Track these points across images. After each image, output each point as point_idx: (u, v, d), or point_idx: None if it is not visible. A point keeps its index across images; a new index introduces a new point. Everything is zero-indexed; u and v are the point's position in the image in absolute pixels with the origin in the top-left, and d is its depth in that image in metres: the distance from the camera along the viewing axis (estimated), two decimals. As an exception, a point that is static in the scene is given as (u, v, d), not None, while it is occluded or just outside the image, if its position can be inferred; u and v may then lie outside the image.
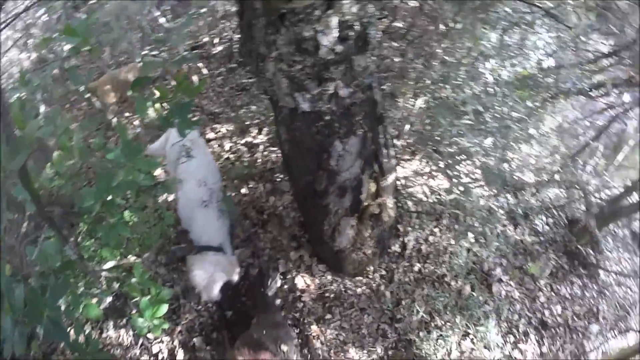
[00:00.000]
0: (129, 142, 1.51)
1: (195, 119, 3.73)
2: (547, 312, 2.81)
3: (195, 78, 3.78)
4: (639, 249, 3.71)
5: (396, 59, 3.03)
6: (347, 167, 2.13)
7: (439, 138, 2.83)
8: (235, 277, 2.39)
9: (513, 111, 2.70)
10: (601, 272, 3.20)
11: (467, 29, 2.65)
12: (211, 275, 2.30)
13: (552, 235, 3.02)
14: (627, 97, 3.19)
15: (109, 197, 1.53)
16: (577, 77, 2.90)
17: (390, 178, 2.41)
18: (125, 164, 1.48)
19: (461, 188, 2.68)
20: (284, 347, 2.11)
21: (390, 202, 2.47)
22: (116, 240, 1.70)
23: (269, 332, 2.18)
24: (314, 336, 2.54)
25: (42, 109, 2.84)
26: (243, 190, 2.94)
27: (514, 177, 2.89)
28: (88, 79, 3.39)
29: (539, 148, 3.17)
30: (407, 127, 2.94)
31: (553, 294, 2.87)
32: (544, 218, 2.90)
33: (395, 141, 2.98)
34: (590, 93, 2.98)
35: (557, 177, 3.07)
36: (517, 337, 2.69)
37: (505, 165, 3.04)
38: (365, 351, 2.54)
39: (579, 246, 3.10)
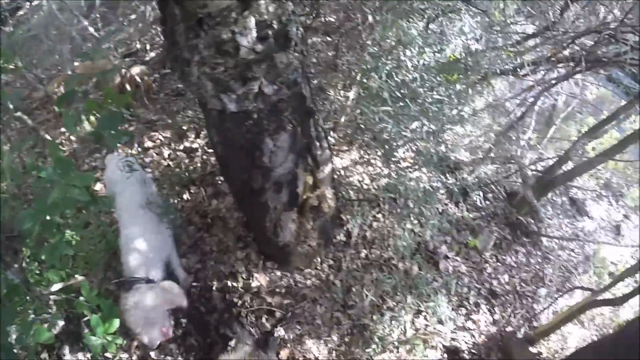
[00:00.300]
0: (61, 159, 1.49)
1: (131, 128, 3.69)
2: (495, 282, 2.93)
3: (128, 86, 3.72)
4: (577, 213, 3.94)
5: (328, 53, 3.10)
6: (281, 163, 2.15)
7: (374, 127, 2.92)
8: (184, 302, 2.23)
9: (443, 95, 2.82)
10: (544, 239, 3.37)
11: (394, 20, 2.76)
12: (148, 314, 2.08)
13: (493, 209, 3.15)
14: (555, 74, 3.39)
15: (48, 217, 1.50)
16: (504, 58, 3.06)
17: (327, 169, 2.45)
18: (59, 181, 1.46)
19: (400, 173, 2.76)
20: None
21: (329, 192, 2.51)
22: (59, 260, 1.68)
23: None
24: (272, 334, 2.55)
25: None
26: (185, 196, 2.92)
27: (451, 157, 3.00)
28: (18, 97, 3.29)
29: (473, 128, 3.31)
30: (343, 118, 3.01)
31: (499, 264, 3.00)
32: (483, 194, 3.02)
33: (332, 133, 3.06)
34: (517, 72, 3.15)
35: (492, 153, 3.21)
36: (469, 308, 2.79)
37: (442, 147, 3.16)
38: (321, 341, 2.57)
39: (519, 217, 3.25)
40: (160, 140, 3.49)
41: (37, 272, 2.39)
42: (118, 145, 3.50)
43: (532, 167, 3.51)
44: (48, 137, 3.29)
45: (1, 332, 1.50)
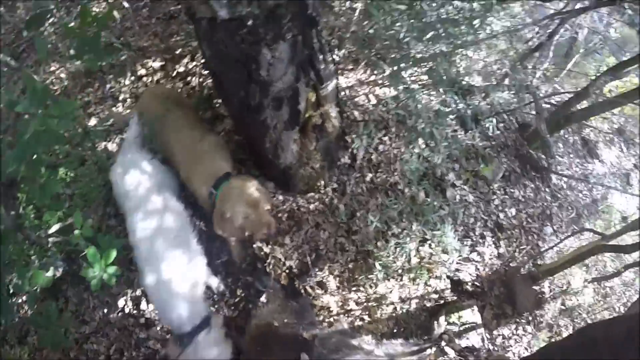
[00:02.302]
0: (36, 89, 1.31)
1: (123, 57, 3.44)
2: (501, 215, 2.81)
3: (116, 14, 3.45)
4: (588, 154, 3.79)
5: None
6: (280, 76, 1.96)
7: (382, 45, 2.69)
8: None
9: (459, 14, 2.57)
10: (553, 176, 3.23)
11: None
12: None
13: (504, 140, 2.99)
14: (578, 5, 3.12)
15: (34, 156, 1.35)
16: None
17: (331, 85, 2.25)
18: (36, 114, 1.30)
19: (408, 94, 2.56)
20: None
21: (333, 111, 2.33)
22: (53, 200, 1.62)
23: None
24: (277, 260, 2.45)
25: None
26: None
27: (463, 81, 2.79)
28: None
29: (488, 52, 3.08)
30: (349, 34, 2.77)
31: (507, 196, 2.87)
32: (495, 122, 2.84)
33: (337, 51, 2.82)
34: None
35: (506, 81, 3.00)
36: (474, 240, 2.70)
37: (453, 70, 2.94)
38: (326, 267, 2.47)
39: (530, 150, 3.09)
40: (154, 67, 3.27)
41: (34, 215, 2.28)
42: (110, 77, 3.32)
43: (547, 99, 3.31)
44: (33, 75, 3.03)
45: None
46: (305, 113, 2.22)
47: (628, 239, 2.90)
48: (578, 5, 3.07)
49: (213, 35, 1.79)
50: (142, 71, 3.28)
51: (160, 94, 2.50)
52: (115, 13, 3.46)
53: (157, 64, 3.29)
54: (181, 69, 3.19)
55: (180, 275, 1.89)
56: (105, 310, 2.49)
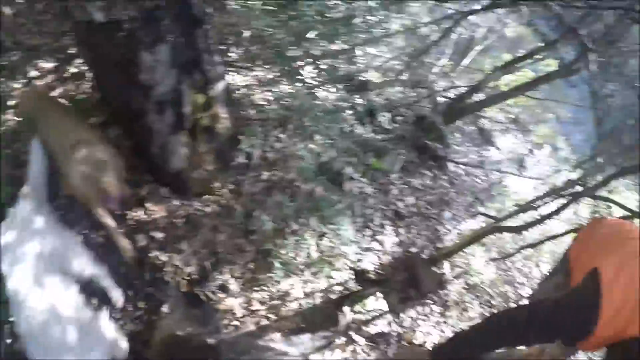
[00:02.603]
0: None
1: (14, 58, 3.12)
2: (400, 204, 2.95)
3: (7, 10, 3.13)
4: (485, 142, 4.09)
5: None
6: (162, 79, 1.93)
7: (281, 43, 2.68)
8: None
9: (356, 11, 2.63)
10: (450, 164, 3.45)
11: None
12: None
13: (402, 132, 3.12)
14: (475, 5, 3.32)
15: None
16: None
17: (219, 86, 2.23)
18: None
19: (306, 91, 2.58)
20: None
21: (223, 112, 2.30)
22: None
23: None
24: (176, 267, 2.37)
25: None
26: None
27: (360, 77, 2.87)
28: None
29: (386, 49, 3.19)
30: (247, 33, 2.73)
31: (405, 186, 3.02)
32: (391, 116, 2.95)
33: (235, 49, 2.78)
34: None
35: (403, 77, 3.13)
36: (374, 229, 2.79)
37: (352, 66, 3.02)
38: (226, 269, 2.44)
39: (427, 141, 3.26)
40: (47, 68, 3.00)
41: None
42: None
43: (444, 93, 3.51)
44: None
45: None
46: (193, 115, 2.18)
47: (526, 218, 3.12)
48: (476, 6, 3.28)
49: (91, 39, 1.75)
50: (34, 72, 3.01)
51: (34, 97, 2.31)
52: (7, 9, 3.16)
53: (49, 65, 3.04)
54: (74, 69, 2.97)
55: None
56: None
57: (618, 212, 2.52)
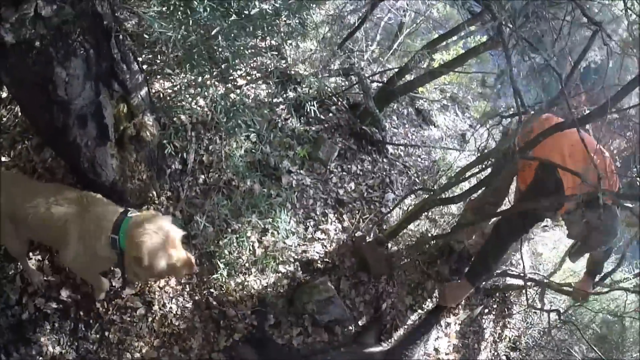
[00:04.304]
0: None
1: None
2: (341, 191, 3.03)
3: None
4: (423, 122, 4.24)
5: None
6: (79, 93, 1.91)
7: (208, 44, 2.66)
8: None
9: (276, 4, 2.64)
10: (390, 146, 3.56)
11: None
12: None
13: (337, 121, 3.19)
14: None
15: None
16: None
17: (141, 94, 2.21)
18: None
19: (237, 91, 2.59)
20: None
21: (148, 119, 2.29)
22: None
23: None
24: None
25: None
26: (4, 159, 2.43)
27: (291, 71, 2.90)
28: None
29: (313, 41, 3.23)
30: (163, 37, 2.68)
31: (344, 173, 3.09)
32: (322, 106, 3.02)
33: (160, 56, 2.73)
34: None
35: (332, 66, 3.18)
36: (317, 219, 2.86)
37: (282, 62, 3.04)
38: (170, 279, 2.44)
39: (363, 127, 3.35)
40: None
41: None
42: None
43: (374, 78, 3.59)
44: None
45: None
46: (117, 126, 2.16)
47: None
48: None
49: (5, 61, 1.69)
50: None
51: None
52: None
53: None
54: (4, 94, 2.83)
55: None
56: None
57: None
